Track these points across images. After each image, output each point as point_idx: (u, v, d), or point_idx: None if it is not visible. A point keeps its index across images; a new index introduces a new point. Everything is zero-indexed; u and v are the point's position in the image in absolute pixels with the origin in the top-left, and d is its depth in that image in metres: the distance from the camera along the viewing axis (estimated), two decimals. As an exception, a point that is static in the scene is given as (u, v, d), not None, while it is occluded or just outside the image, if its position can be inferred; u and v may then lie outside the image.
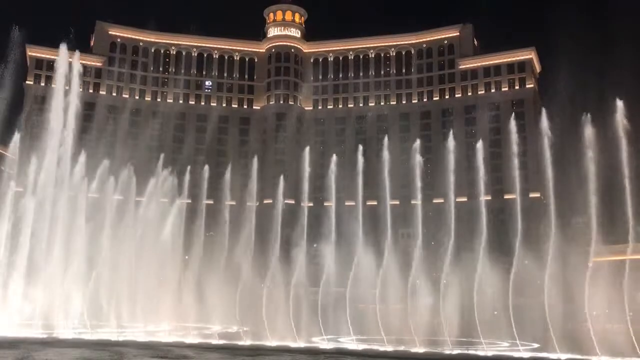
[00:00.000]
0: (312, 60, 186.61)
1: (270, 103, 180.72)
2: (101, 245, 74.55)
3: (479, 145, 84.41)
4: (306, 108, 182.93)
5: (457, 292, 67.76)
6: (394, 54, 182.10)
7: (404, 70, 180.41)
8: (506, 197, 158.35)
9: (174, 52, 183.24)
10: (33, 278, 61.68)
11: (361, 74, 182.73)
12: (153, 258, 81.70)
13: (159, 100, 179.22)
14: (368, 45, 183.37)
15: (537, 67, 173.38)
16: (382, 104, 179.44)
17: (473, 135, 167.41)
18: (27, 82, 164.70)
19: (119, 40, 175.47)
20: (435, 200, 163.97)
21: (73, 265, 63.45)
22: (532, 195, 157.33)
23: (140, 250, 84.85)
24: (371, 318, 70.59)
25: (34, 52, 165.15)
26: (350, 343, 61.75)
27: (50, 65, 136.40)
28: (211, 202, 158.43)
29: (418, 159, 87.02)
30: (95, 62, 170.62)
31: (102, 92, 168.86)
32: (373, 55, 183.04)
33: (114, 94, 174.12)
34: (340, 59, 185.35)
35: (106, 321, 67.46)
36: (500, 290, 64.63)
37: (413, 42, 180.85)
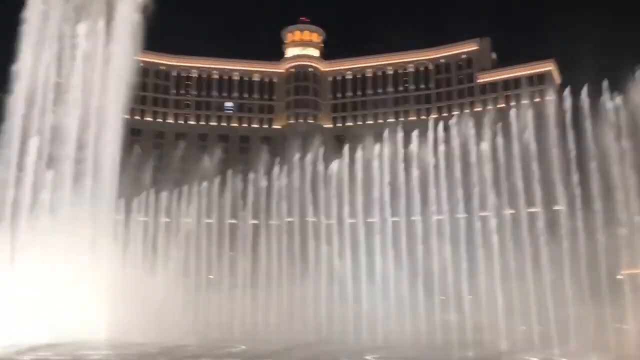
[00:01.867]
0: (330, 79, 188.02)
1: (290, 122, 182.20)
2: (125, 267, 75.36)
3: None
4: (326, 126, 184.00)
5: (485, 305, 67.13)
6: (412, 69, 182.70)
7: (422, 86, 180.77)
8: (530, 210, 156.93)
9: (195, 75, 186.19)
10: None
11: (380, 90, 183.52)
12: (178, 278, 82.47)
13: (180, 122, 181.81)
14: (386, 62, 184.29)
15: (558, 79, 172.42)
16: (401, 119, 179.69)
17: (494, 149, 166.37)
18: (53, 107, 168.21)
19: (140, 64, 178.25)
20: (458, 216, 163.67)
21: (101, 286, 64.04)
22: (556, 208, 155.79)
23: (167, 271, 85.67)
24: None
25: (61, 78, 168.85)
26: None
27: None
28: (234, 221, 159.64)
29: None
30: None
31: (126, 116, 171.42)
32: (391, 72, 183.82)
33: (137, 117, 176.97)
34: (359, 76, 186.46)
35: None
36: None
37: (431, 57, 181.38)
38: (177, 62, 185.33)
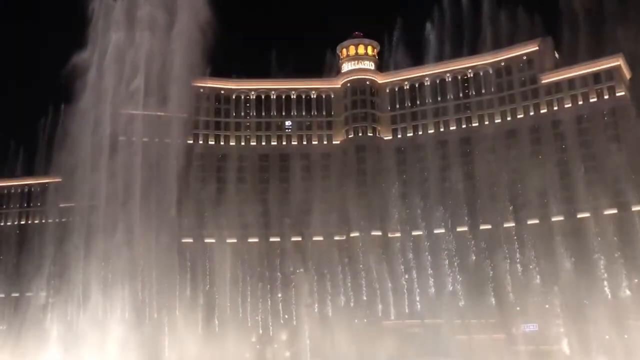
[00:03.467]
0: (387, 91, 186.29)
1: (350, 136, 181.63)
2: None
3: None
4: (385, 138, 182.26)
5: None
6: (472, 75, 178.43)
7: (483, 91, 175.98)
8: (606, 213, 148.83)
9: (254, 97, 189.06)
10: None
11: (439, 98, 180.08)
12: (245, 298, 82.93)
13: (242, 144, 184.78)
14: (444, 70, 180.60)
15: (627, 74, 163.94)
16: (463, 126, 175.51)
17: (564, 150, 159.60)
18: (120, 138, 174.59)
19: (201, 90, 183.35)
20: (529, 222, 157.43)
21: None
22: (635, 208, 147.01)
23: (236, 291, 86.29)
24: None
25: (127, 109, 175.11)
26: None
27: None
28: (299, 238, 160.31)
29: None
30: (180, 113, 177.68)
31: (189, 142, 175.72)
32: (450, 79, 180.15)
33: (201, 142, 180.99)
34: (417, 85, 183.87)
35: None
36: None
37: (490, 61, 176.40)
38: (236, 85, 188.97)
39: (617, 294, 58.87)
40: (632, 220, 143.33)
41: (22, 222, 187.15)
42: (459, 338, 70.64)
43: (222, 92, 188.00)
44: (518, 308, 76.36)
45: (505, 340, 72.75)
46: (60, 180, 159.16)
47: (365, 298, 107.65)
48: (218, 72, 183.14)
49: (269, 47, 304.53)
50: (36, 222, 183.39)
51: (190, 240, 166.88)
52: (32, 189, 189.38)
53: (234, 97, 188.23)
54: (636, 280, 62.17)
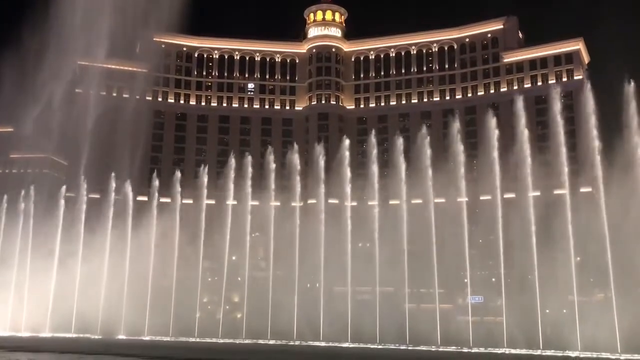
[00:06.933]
0: (353, 59, 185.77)
1: (312, 103, 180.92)
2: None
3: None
4: (348, 107, 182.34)
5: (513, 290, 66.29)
6: (436, 49, 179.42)
7: (446, 66, 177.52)
8: (556, 192, 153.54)
9: (217, 56, 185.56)
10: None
11: (403, 71, 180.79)
12: (196, 260, 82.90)
13: (203, 104, 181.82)
14: (409, 42, 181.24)
15: (586, 58, 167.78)
16: (425, 100, 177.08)
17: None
18: (77, 90, 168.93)
19: (163, 46, 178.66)
20: (482, 198, 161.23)
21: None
22: (583, 190, 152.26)
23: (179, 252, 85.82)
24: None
25: (85, 61, 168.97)
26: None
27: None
28: (256, 203, 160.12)
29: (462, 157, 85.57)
30: (140, 68, 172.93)
31: (148, 98, 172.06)
32: (415, 52, 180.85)
33: (159, 99, 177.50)
34: (382, 56, 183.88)
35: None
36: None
37: (455, 36, 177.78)
38: (199, 43, 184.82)
39: (564, 271, 61.62)
40: (579, 201, 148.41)
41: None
42: (409, 307, 72.83)
43: (185, 49, 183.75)
44: (466, 280, 78.87)
45: (452, 310, 75.36)
46: (11, 129, 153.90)
47: (317, 263, 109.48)
48: (181, 28, 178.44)
49: (235, 6, 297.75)
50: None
51: (145, 198, 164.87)
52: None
53: (196, 55, 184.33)
54: (578, 259, 64.98)
